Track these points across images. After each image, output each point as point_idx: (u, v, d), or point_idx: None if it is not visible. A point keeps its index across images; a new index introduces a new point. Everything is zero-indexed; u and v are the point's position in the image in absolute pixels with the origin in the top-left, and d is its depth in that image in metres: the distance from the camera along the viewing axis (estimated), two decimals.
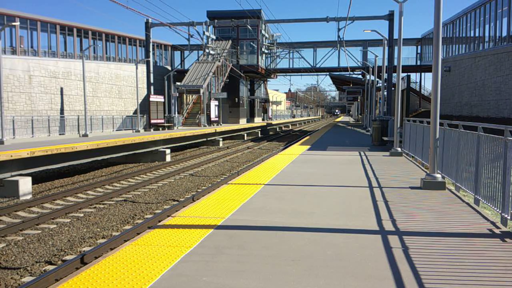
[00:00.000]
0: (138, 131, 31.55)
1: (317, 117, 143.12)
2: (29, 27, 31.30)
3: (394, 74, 36.35)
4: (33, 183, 15.15)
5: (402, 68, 16.63)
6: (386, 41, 24.60)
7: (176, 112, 36.68)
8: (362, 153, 15.65)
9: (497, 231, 5.57)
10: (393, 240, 5.12)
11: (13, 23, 22.98)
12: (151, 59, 40.19)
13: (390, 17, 38.01)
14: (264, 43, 49.79)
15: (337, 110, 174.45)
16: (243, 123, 48.53)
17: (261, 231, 5.54)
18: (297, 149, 17.43)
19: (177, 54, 51.95)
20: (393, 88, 36.09)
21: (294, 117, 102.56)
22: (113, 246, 7.96)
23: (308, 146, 18.85)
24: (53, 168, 17.54)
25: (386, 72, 28.20)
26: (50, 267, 7.40)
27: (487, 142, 6.68)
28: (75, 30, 35.55)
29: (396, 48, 25.67)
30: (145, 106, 36.10)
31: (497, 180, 6.09)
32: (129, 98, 40.21)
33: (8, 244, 8.58)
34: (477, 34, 32.04)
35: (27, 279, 6.94)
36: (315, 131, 40.03)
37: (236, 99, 48.31)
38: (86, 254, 7.34)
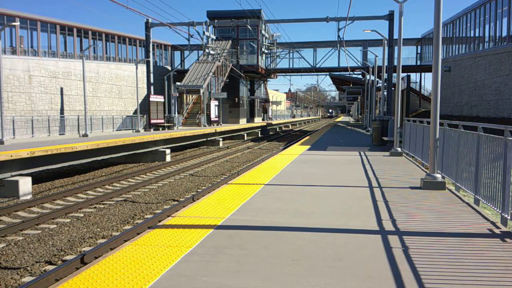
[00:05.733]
0: (138, 131, 31.55)
1: (317, 117, 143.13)
2: (29, 27, 31.30)
3: (394, 74, 36.35)
4: (33, 183, 15.15)
5: (402, 68, 16.63)
6: (386, 41, 24.60)
7: (176, 112, 36.67)
8: (362, 153, 15.65)
9: (497, 231, 5.57)
10: (393, 240, 5.12)
11: (13, 23, 22.98)
12: (151, 59, 40.18)
13: (390, 17, 38.00)
14: (264, 43, 49.78)
15: (331, 110, 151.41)
16: (243, 123, 48.53)
17: (261, 231, 5.54)
18: (297, 149, 17.43)
19: (177, 54, 51.93)
20: (393, 88, 36.08)
21: (294, 117, 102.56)
22: (113, 246, 7.96)
23: (308, 146, 18.85)
24: (53, 168, 17.53)
25: (386, 72, 28.20)
26: (50, 267, 7.40)
27: (487, 142, 6.67)
28: (75, 30, 35.54)
29: (396, 48, 25.66)
30: (145, 106, 36.08)
31: (497, 180, 6.09)
32: (129, 98, 40.21)
33: (8, 244, 8.57)
34: (477, 34, 32.04)
35: (27, 279, 6.94)
36: (315, 131, 40.03)
37: (236, 99, 48.30)
38: (86, 254, 7.34)
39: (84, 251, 8.19)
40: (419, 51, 50.26)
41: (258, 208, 6.83)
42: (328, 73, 54.42)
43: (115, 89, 38.50)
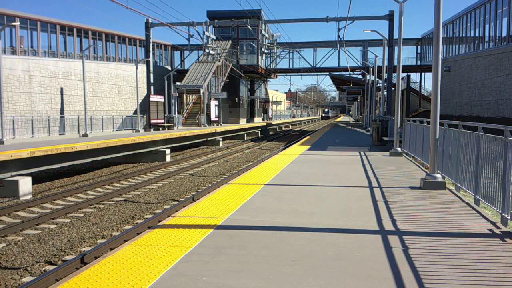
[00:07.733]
0: (138, 131, 31.55)
1: (317, 117, 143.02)
2: (29, 27, 31.30)
3: (394, 74, 36.34)
4: (33, 183, 15.15)
5: (402, 68, 16.63)
6: (386, 41, 24.59)
7: (176, 112, 36.68)
8: (362, 153, 15.65)
9: (497, 231, 5.57)
10: (393, 240, 5.12)
11: (13, 23, 22.99)
12: (151, 59, 40.18)
13: (390, 17, 38.00)
14: (264, 43, 49.79)
15: (327, 109, 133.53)
16: (243, 123, 48.52)
17: (261, 231, 5.53)
18: (297, 149, 17.43)
19: (177, 54, 51.95)
20: (393, 88, 36.08)
21: (294, 117, 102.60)
22: (113, 246, 7.96)
23: (308, 146, 18.85)
24: (53, 168, 17.54)
25: (386, 72, 28.19)
26: (50, 267, 7.40)
27: (487, 142, 6.67)
28: (75, 30, 35.54)
29: (396, 48, 25.66)
30: (145, 106, 36.09)
31: (497, 180, 6.09)
32: (129, 98, 40.21)
33: (8, 244, 8.57)
34: (477, 34, 32.04)
35: (27, 279, 6.94)
36: (315, 131, 40.03)
37: (236, 99, 48.30)
38: (86, 254, 7.34)
39: (84, 251, 8.19)
40: (419, 51, 50.27)
41: (258, 208, 6.83)
42: (328, 73, 54.43)
43: (115, 89, 38.50)
